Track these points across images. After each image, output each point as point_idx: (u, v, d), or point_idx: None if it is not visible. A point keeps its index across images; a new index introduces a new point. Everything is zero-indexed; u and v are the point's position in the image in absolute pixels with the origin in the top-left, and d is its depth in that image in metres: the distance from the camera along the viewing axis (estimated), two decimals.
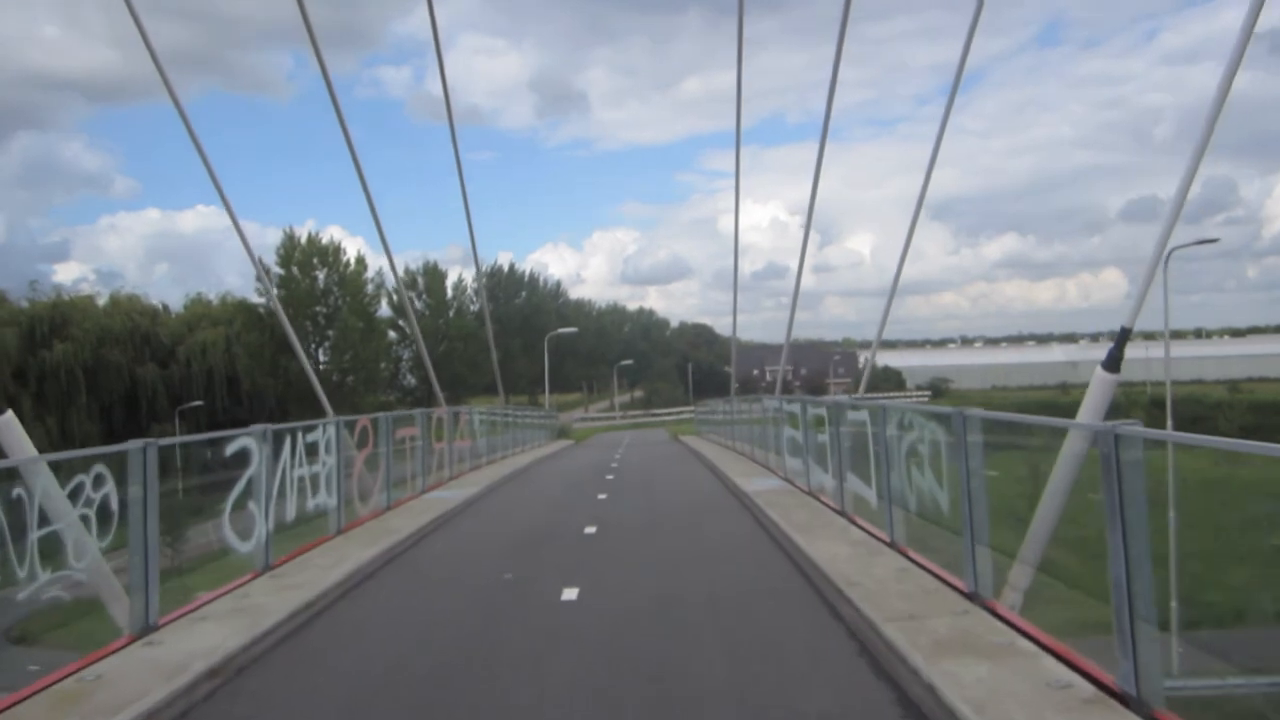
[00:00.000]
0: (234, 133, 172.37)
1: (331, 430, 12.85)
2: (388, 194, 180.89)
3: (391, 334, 76.64)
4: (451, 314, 78.67)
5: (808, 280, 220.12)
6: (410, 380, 77.32)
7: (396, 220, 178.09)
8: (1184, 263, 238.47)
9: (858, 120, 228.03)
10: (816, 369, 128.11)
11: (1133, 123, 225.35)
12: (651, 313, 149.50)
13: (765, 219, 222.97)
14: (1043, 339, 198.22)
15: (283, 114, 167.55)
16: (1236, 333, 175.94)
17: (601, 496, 17.47)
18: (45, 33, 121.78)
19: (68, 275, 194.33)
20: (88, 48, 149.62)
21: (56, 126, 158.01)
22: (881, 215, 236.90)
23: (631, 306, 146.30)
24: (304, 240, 61.34)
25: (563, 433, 46.74)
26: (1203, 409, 72.34)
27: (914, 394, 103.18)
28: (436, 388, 26.04)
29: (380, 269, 65.08)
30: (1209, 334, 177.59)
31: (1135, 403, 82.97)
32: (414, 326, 35.30)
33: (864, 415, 11.56)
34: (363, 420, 14.85)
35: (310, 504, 12.15)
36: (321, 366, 62.13)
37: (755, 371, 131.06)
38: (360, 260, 63.09)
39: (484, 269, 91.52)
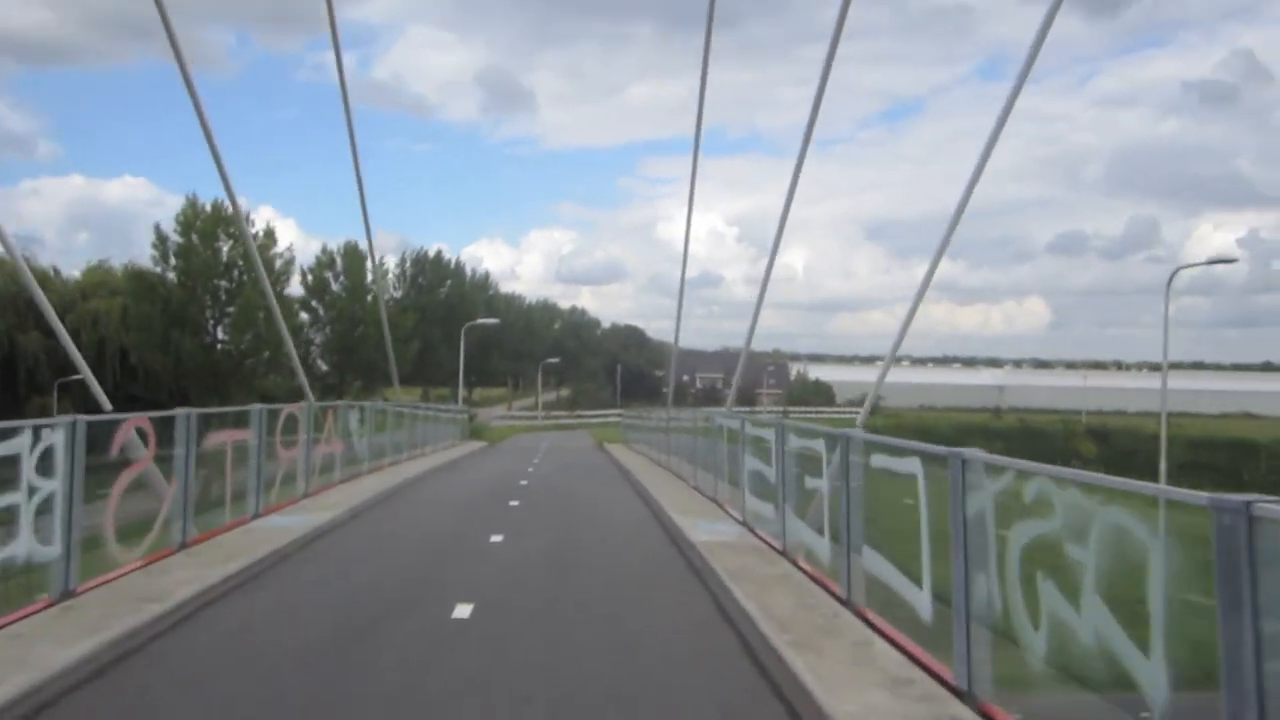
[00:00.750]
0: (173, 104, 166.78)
1: (58, 436, 8.01)
2: (323, 180, 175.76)
3: (304, 316, 71.06)
4: (369, 299, 73.04)
5: (741, 291, 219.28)
6: (322, 366, 71.65)
7: (328, 204, 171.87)
8: (1105, 296, 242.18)
9: (798, 139, 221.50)
10: (748, 379, 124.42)
11: (1064, 159, 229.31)
12: (583, 311, 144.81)
13: (703, 229, 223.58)
14: (966, 362, 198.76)
15: (225, 91, 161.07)
16: (1155, 367, 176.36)
17: (495, 538, 12.61)
18: None
19: None
20: (20, 5, 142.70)
21: None
22: (816, 232, 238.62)
23: (564, 304, 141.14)
24: (208, 208, 55.56)
25: (476, 433, 41.91)
26: (1138, 442, 70.15)
27: (845, 409, 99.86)
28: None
29: (291, 245, 59.47)
30: (1128, 367, 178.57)
31: (1073, 432, 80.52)
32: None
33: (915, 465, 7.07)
34: (131, 422, 9.91)
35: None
36: (220, 345, 56.38)
37: (685, 378, 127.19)
38: (270, 233, 57.40)
39: (408, 255, 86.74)
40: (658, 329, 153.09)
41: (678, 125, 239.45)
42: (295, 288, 71.52)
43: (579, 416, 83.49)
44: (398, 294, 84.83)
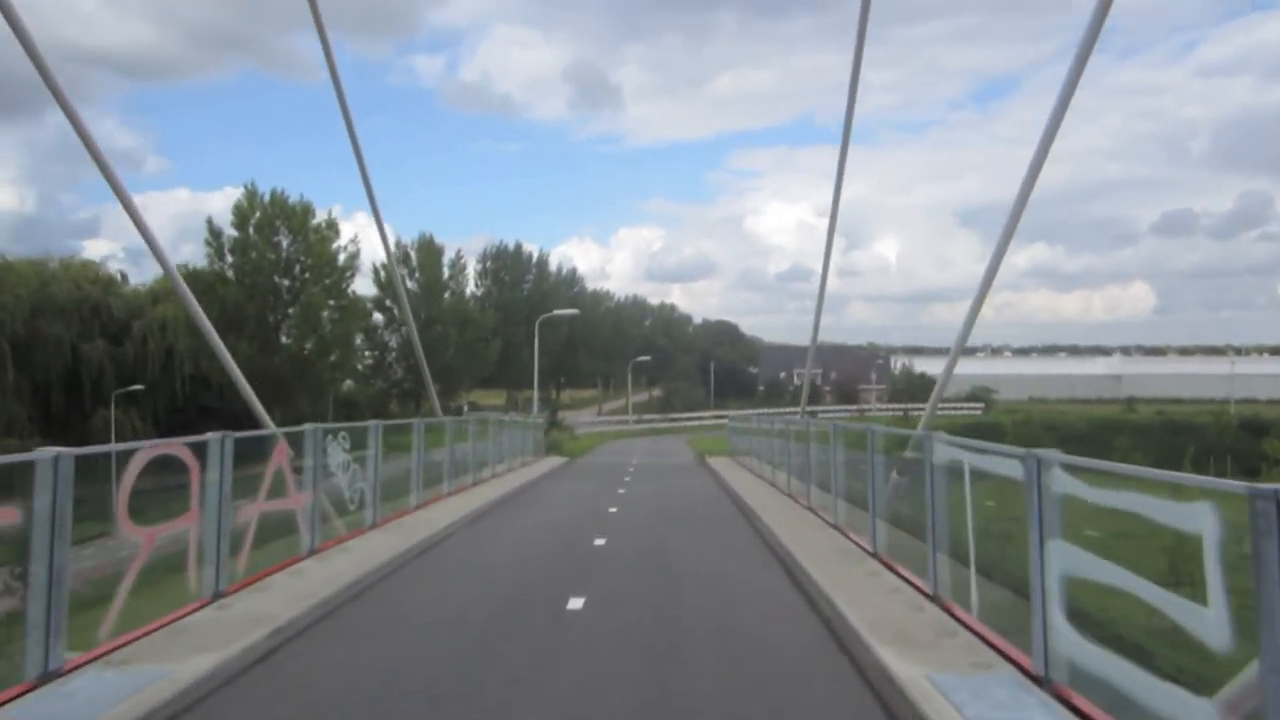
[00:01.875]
0: (267, 114, 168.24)
1: None
2: (413, 184, 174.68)
3: (378, 316, 65.72)
4: (448, 296, 67.30)
5: (833, 284, 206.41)
6: (397, 370, 66.15)
7: (416, 208, 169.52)
8: (1213, 278, 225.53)
9: (887, 124, 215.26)
10: (848, 374, 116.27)
11: (1168, 135, 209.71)
12: (674, 308, 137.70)
13: (793, 220, 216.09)
14: (1069, 350, 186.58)
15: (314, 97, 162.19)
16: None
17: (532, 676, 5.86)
18: (82, 6, 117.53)
19: (96, 252, 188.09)
20: (124, 23, 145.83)
21: (91, 102, 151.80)
22: (909, 221, 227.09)
23: (654, 301, 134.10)
24: (267, 199, 50.15)
25: (554, 446, 35.22)
26: None
27: (963, 405, 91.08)
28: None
29: (356, 236, 53.76)
30: (1247, 351, 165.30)
31: (1226, 425, 70.11)
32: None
33: None
34: None
35: None
36: (284, 348, 50.87)
37: (783, 374, 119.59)
38: (332, 224, 51.68)
39: (489, 250, 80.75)
40: (750, 325, 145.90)
41: (764, 116, 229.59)
42: (366, 285, 66.47)
43: (673, 420, 76.71)
44: (478, 291, 78.99)
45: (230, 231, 49.87)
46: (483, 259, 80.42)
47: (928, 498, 8.73)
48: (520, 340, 76.88)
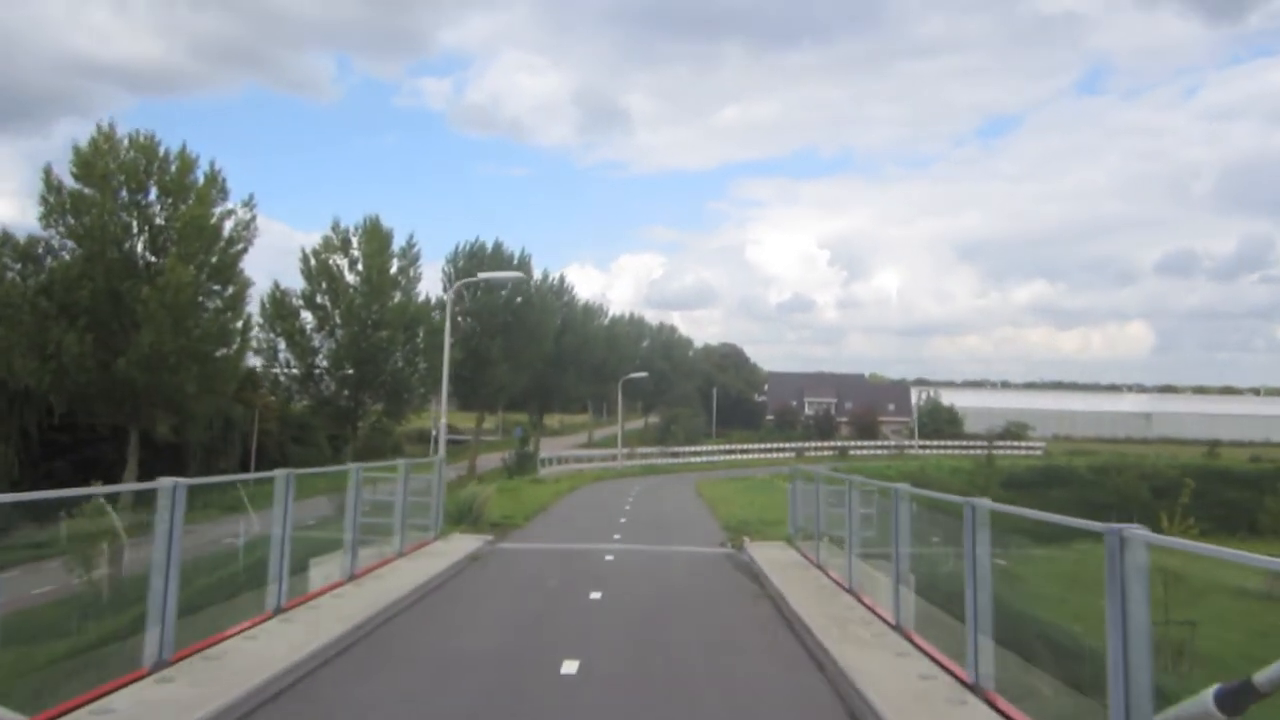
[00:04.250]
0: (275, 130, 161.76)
1: None
2: (416, 205, 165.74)
3: (306, 316, 50.14)
4: (399, 296, 51.67)
5: (832, 315, 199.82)
6: (329, 384, 50.39)
7: (418, 230, 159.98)
8: (1212, 319, 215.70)
9: (891, 158, 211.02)
10: (864, 404, 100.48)
11: (1170, 176, 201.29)
12: (674, 329, 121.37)
13: (794, 251, 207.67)
14: (1064, 387, 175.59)
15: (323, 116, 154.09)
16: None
17: None
18: (93, 18, 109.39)
19: None
20: (132, 36, 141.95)
21: (98, 114, 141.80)
22: (910, 254, 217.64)
23: (653, 322, 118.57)
24: (125, 143, 34.94)
25: (470, 515, 18.65)
26: None
27: (1019, 445, 75.26)
28: None
29: (252, 199, 37.92)
30: (1238, 391, 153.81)
31: None
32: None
33: None
34: None
35: None
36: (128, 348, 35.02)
37: (794, 403, 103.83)
38: (213, 179, 35.99)
39: (461, 247, 65.21)
40: (750, 354, 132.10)
41: (768, 146, 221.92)
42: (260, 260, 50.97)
43: (673, 455, 61.01)
44: (448, 297, 62.98)
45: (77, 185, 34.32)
46: (453, 258, 64.61)
47: None
48: (494, 356, 61.32)
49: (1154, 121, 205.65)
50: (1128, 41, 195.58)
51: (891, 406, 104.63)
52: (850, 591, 11.27)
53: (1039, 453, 72.56)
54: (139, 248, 34.99)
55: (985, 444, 76.29)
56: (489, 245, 65.09)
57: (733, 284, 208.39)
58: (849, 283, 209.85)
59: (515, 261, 66.53)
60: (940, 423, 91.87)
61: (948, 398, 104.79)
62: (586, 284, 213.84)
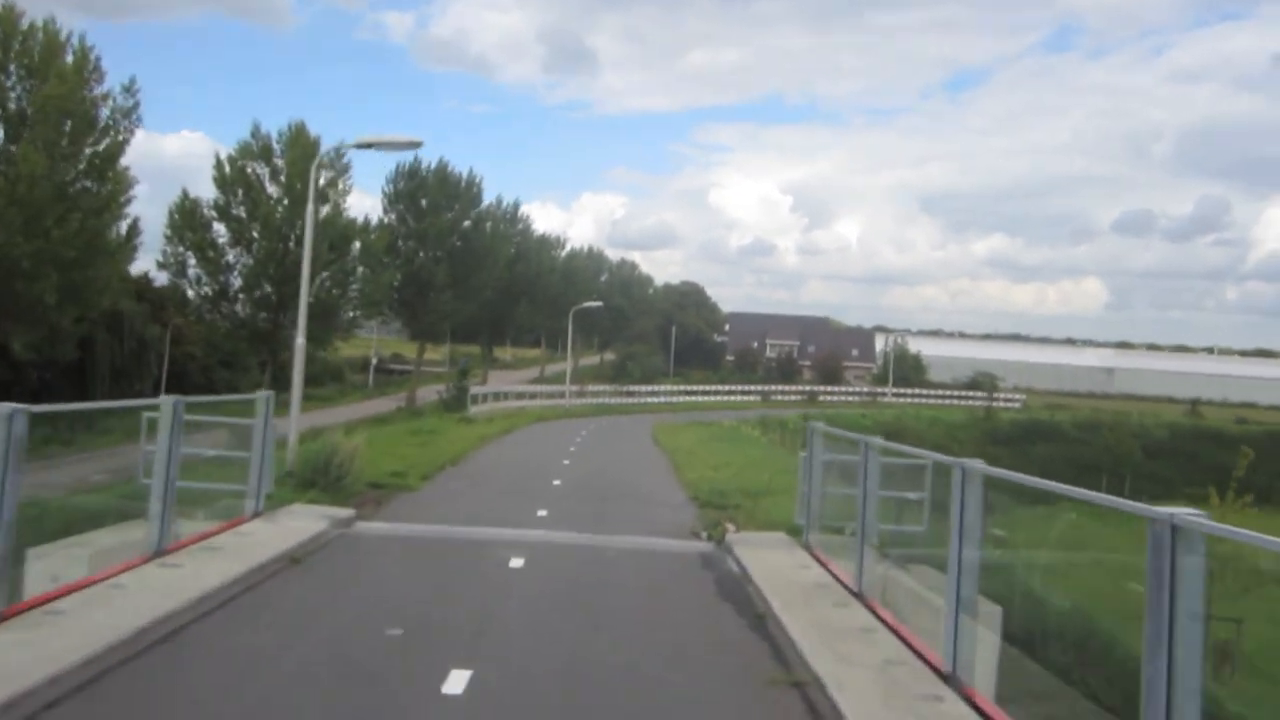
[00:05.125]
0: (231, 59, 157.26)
1: None
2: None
3: (219, 229, 43.69)
4: (326, 209, 45.06)
5: (792, 260, 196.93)
6: (243, 304, 44.04)
7: (378, 166, 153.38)
8: (1166, 279, 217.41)
9: (858, 108, 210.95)
10: (827, 349, 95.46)
11: (1132, 136, 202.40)
12: (635, 265, 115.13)
13: (756, 197, 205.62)
14: (1021, 339, 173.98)
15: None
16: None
17: None
18: None
19: None
20: None
21: None
22: (872, 203, 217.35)
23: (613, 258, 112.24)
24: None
25: (328, 475, 12.94)
26: None
27: (1005, 395, 70.63)
28: None
29: (134, 83, 31.23)
30: (1192, 350, 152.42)
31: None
32: None
33: None
34: None
35: None
36: None
37: (755, 344, 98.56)
38: (83, 56, 29.39)
39: (402, 167, 58.45)
40: (710, 296, 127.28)
41: (735, 92, 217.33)
42: (207, 186, 44.31)
43: (629, 394, 55.48)
44: (389, 219, 56.69)
45: None
46: (394, 179, 57.79)
47: None
48: (439, 283, 55.26)
49: (1119, 82, 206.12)
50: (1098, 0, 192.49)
51: (855, 352, 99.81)
52: (949, 678, 5.86)
53: (1016, 405, 67.98)
54: None
55: (956, 393, 71.66)
56: (430, 164, 58.44)
57: (694, 227, 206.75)
58: (810, 229, 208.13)
59: (463, 184, 60.06)
60: (905, 370, 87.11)
61: (922, 345, 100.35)
62: (547, 221, 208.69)
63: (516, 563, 9.27)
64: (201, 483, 9.98)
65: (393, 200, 57.74)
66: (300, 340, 14.52)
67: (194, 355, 51.22)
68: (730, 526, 11.82)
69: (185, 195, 42.79)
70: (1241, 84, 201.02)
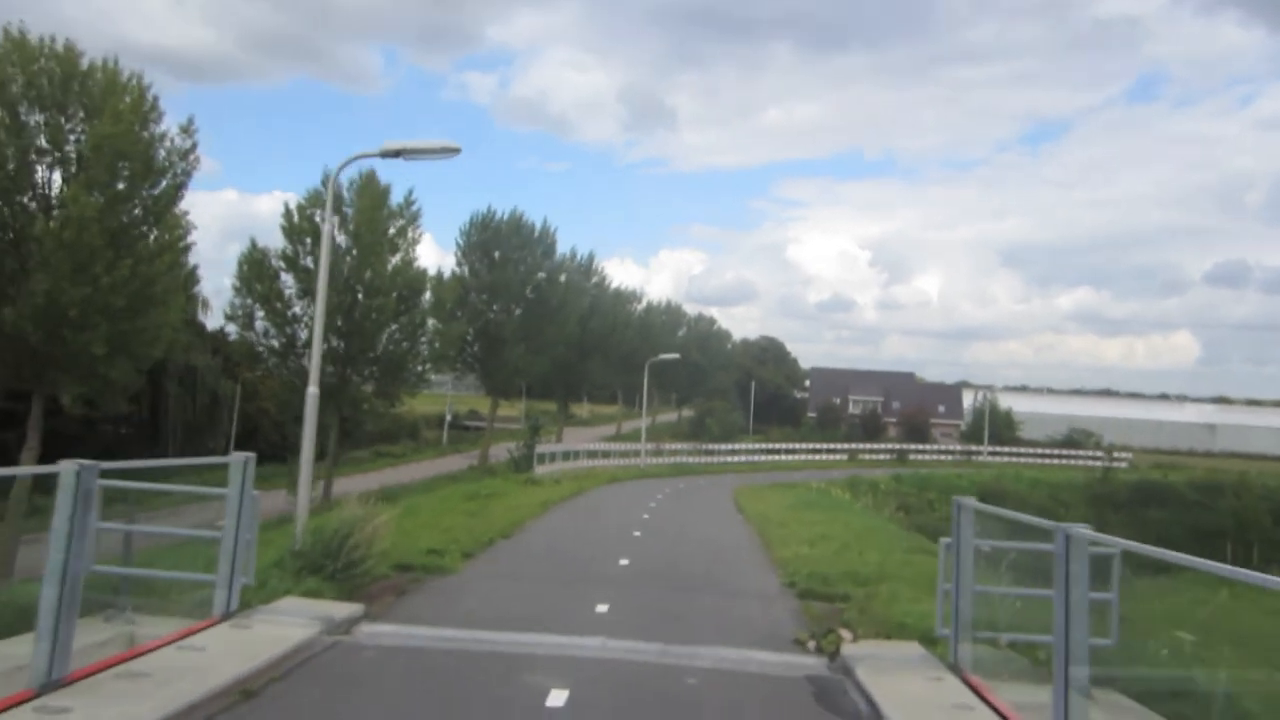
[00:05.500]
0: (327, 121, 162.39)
1: None
2: (458, 199, 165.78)
3: (287, 279, 42.23)
4: (396, 260, 43.49)
5: (872, 316, 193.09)
6: (307, 356, 42.39)
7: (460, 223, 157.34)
8: (1262, 331, 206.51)
9: (935, 161, 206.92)
10: (913, 404, 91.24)
11: (1222, 186, 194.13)
12: (712, 320, 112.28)
13: (834, 251, 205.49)
14: (1111, 395, 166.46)
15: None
16: None
17: None
18: (147, 4, 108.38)
19: None
20: (183, 23, 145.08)
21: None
22: (952, 257, 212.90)
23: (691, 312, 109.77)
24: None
25: (339, 558, 10.54)
26: None
27: (1097, 455, 65.87)
28: None
29: (193, 122, 29.93)
30: None
31: None
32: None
33: None
34: None
35: None
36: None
37: (837, 400, 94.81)
38: (139, 92, 28.27)
39: (476, 218, 57.27)
40: (794, 349, 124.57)
41: (812, 147, 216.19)
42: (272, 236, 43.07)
43: (708, 453, 52.49)
44: (461, 271, 55.35)
45: None
46: (467, 231, 56.44)
47: None
48: (508, 336, 53.48)
49: (1206, 131, 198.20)
50: (1183, 49, 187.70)
51: (941, 408, 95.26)
52: None
53: (1123, 465, 63.21)
54: (44, 174, 27.13)
55: (1054, 451, 66.99)
56: (504, 214, 57.05)
57: (772, 282, 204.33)
58: (889, 284, 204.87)
59: (537, 234, 58.41)
60: (997, 427, 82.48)
61: (1013, 401, 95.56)
62: (625, 278, 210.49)
63: (556, 700, 6.52)
64: (151, 570, 7.53)
65: (465, 253, 56.39)
66: (312, 389, 12.18)
67: (267, 411, 50.18)
68: (845, 634, 8.94)
69: (254, 245, 41.42)
70: None
